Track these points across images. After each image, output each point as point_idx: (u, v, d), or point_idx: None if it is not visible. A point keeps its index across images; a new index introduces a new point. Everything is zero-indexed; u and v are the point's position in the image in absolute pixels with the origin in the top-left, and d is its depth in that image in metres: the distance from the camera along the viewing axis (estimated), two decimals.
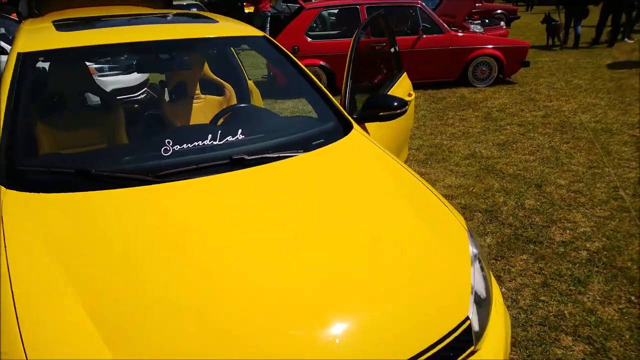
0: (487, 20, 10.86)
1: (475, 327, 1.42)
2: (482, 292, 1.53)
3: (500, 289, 2.54)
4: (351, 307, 1.27)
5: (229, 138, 1.97)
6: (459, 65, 7.52)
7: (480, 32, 8.67)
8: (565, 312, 2.47)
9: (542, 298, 2.59)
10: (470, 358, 1.36)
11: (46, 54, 2.26)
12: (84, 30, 2.44)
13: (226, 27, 2.67)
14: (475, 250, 1.64)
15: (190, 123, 3.30)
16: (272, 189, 1.72)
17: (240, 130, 2.02)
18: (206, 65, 3.51)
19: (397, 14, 7.77)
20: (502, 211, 3.56)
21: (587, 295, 2.59)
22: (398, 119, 2.56)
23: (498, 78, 7.61)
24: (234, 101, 3.41)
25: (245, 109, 2.86)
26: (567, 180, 4.04)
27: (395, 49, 3.76)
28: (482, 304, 1.51)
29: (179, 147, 1.89)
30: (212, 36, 2.56)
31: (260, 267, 1.34)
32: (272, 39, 2.70)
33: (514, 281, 2.74)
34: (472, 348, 1.38)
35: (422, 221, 1.66)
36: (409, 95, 3.58)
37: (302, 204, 1.65)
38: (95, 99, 3.29)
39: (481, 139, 5.22)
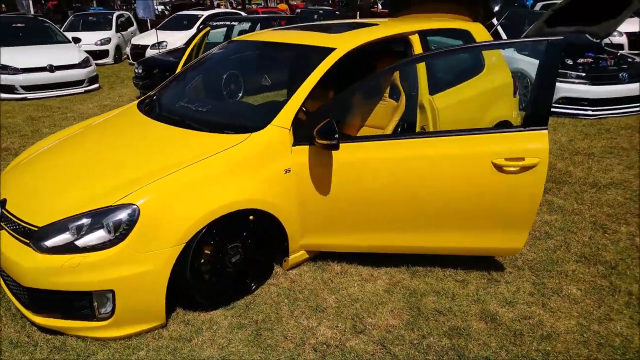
0: None
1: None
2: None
3: None
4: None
5: (194, 107, 3.37)
6: None
7: None
8: None
9: None
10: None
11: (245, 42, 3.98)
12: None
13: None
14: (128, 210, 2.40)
15: (367, 121, 3.73)
16: (158, 136, 3.01)
17: (204, 109, 3.32)
18: (397, 73, 3.56)
19: None
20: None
21: None
22: (519, 184, 2.66)
23: None
24: (402, 110, 3.44)
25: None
26: None
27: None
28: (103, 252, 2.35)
29: (181, 104, 3.46)
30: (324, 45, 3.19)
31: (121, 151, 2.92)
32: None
33: None
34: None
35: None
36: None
37: (154, 142, 2.97)
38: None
39: None
